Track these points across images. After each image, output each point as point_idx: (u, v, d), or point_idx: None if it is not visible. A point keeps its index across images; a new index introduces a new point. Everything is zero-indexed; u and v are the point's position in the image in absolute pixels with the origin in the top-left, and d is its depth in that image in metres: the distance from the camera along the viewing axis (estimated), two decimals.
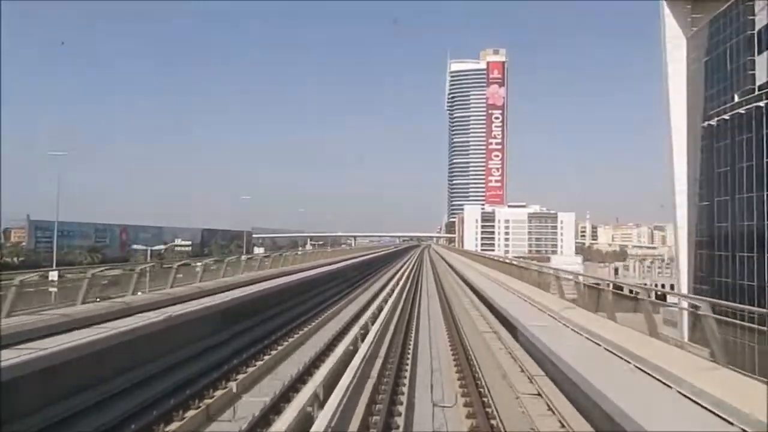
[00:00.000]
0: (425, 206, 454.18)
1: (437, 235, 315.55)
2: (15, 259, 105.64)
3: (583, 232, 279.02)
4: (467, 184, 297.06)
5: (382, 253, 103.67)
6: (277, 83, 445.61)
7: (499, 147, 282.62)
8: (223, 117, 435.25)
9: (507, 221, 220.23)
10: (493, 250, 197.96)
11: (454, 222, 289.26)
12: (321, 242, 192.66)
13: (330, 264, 49.54)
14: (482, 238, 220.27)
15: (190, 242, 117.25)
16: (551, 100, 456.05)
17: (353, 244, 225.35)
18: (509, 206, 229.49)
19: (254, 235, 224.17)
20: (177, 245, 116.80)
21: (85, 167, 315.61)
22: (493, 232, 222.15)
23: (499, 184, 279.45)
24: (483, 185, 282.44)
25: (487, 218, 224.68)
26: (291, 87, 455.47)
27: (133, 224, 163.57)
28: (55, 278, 17.43)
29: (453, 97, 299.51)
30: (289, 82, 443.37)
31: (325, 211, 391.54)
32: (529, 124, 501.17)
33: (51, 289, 16.36)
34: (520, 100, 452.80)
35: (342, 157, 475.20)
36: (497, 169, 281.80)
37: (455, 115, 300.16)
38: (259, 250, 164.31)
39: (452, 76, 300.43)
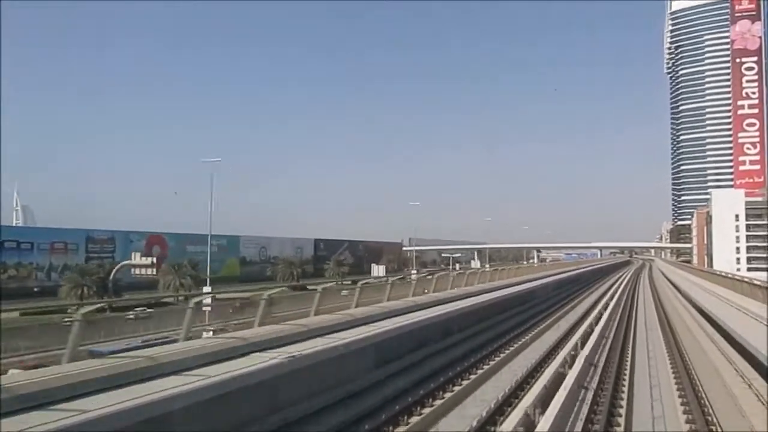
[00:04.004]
0: (637, 207, 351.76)
1: (657, 245, 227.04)
2: None
3: None
4: (703, 169, 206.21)
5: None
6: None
7: (756, 112, 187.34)
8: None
9: None
10: None
11: (684, 226, 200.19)
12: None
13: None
14: (749, 249, 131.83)
15: (151, 258, 58.75)
16: None
17: (535, 261, 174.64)
18: None
19: (404, 248, 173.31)
20: (134, 264, 59.66)
21: None
22: None
23: (757, 167, 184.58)
24: (730, 169, 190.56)
25: (757, 212, 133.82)
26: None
27: (187, 232, 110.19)
28: None
29: (677, 48, 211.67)
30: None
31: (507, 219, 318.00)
32: None
33: None
34: None
35: (512, 146, 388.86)
36: (754, 144, 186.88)
37: (681, 73, 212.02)
38: (378, 270, 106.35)
39: (674, 19, 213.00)
